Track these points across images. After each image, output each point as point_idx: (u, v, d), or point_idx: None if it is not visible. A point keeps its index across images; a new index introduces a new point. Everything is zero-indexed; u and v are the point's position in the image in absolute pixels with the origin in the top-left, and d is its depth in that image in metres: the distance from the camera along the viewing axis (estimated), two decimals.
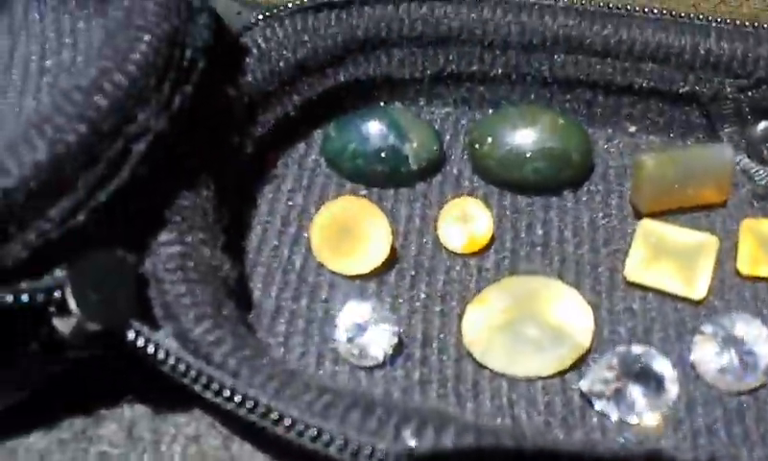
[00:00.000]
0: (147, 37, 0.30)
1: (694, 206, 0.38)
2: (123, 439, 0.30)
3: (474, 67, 0.40)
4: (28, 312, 0.27)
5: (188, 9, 0.32)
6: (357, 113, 0.39)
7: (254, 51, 0.37)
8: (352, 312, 0.33)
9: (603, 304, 0.35)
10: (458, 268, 0.37)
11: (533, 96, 0.40)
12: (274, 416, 0.26)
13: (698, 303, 0.35)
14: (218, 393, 0.27)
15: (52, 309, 0.28)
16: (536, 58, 0.39)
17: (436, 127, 0.41)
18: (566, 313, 0.34)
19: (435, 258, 0.37)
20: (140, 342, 0.28)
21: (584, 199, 0.39)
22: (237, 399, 0.27)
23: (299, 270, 0.36)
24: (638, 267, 0.36)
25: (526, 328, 0.34)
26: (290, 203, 0.38)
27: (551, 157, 0.38)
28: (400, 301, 0.36)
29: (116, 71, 0.29)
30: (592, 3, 0.39)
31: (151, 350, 0.28)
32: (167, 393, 0.29)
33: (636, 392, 0.32)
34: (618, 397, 0.32)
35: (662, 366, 0.32)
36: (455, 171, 0.40)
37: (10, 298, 0.27)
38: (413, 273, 0.36)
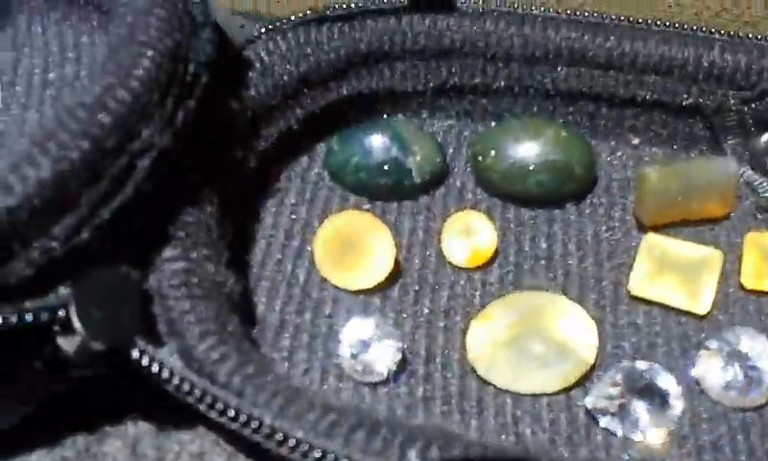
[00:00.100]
0: (150, 53, 0.30)
1: (698, 219, 0.38)
2: (127, 456, 0.30)
3: (477, 80, 0.40)
4: (32, 331, 0.27)
5: (191, 23, 0.32)
6: (360, 126, 0.39)
7: (257, 65, 0.37)
8: (356, 328, 0.33)
9: (607, 319, 0.35)
10: (462, 282, 0.37)
11: (536, 108, 0.40)
12: (278, 436, 0.26)
13: (702, 317, 0.35)
14: (222, 412, 0.27)
15: (56, 328, 0.28)
16: (538, 70, 0.39)
17: (439, 139, 0.41)
18: (571, 329, 0.34)
19: (438, 272, 0.37)
20: (144, 361, 0.28)
21: (587, 212, 0.39)
22: (242, 419, 0.27)
23: (302, 284, 0.36)
24: (642, 281, 0.36)
25: (530, 344, 0.34)
26: (293, 216, 0.38)
27: (554, 170, 0.38)
28: (404, 316, 0.35)
29: (120, 88, 0.29)
30: (595, 15, 0.39)
31: (155, 368, 0.28)
32: (171, 410, 0.29)
33: (640, 408, 0.32)
34: (623, 413, 0.32)
35: (667, 382, 0.32)
36: (458, 183, 0.40)
37: (14, 318, 0.27)
38: (416, 287, 0.36)
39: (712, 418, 0.33)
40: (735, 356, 0.33)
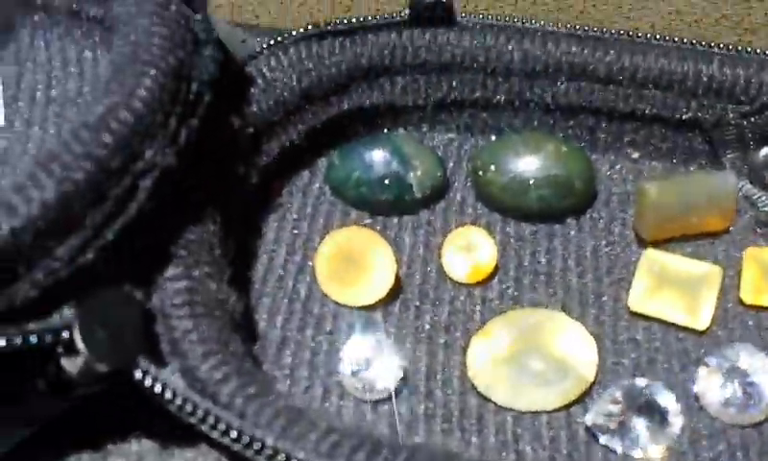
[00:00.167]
0: (153, 72, 0.30)
1: (697, 234, 0.38)
2: None
3: (477, 94, 0.40)
4: (36, 352, 0.27)
5: (194, 41, 0.33)
6: (361, 141, 0.40)
7: (260, 81, 0.37)
8: (357, 346, 0.34)
9: (607, 335, 0.36)
10: (462, 298, 0.37)
11: (536, 122, 0.40)
12: (281, 457, 0.26)
13: (701, 333, 0.35)
14: (225, 433, 0.27)
15: (60, 349, 0.28)
16: (538, 84, 0.39)
17: (439, 153, 0.41)
18: (570, 346, 0.34)
19: (439, 288, 0.37)
20: (147, 381, 0.28)
21: (587, 227, 0.39)
22: (244, 440, 0.27)
23: (303, 300, 0.36)
24: (642, 297, 0.36)
25: (530, 362, 0.34)
26: (295, 231, 0.38)
27: (554, 185, 0.38)
28: (405, 332, 0.36)
29: (123, 108, 0.29)
30: (595, 29, 0.39)
31: (158, 389, 0.28)
32: (174, 428, 0.30)
33: (640, 425, 0.32)
34: (623, 430, 0.32)
35: (666, 399, 0.33)
36: (459, 198, 0.40)
37: (18, 340, 0.27)
38: (417, 303, 0.37)
39: (712, 435, 0.33)
40: (734, 373, 0.33)
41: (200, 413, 0.28)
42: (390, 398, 0.33)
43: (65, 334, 0.27)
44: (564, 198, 0.38)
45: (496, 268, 0.37)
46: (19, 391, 0.28)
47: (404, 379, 0.34)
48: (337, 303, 0.36)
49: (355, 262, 0.36)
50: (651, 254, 0.37)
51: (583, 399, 0.34)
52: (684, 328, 0.36)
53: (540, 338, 0.34)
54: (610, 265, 0.38)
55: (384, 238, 0.38)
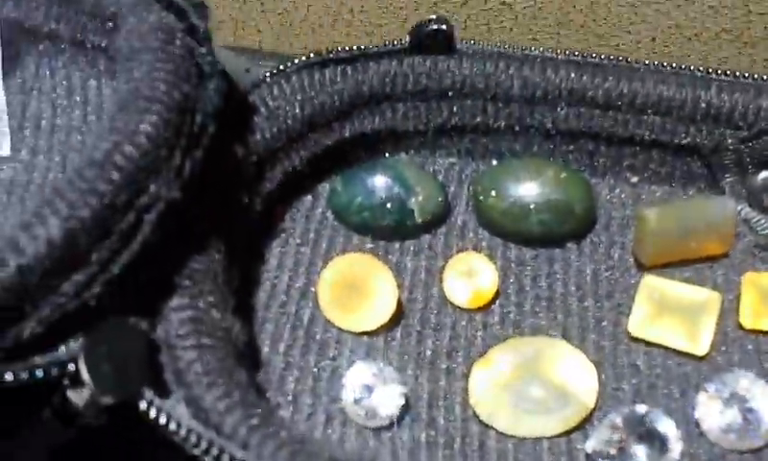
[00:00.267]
0: (157, 107, 0.31)
1: (697, 258, 0.38)
2: None
3: (477, 120, 0.40)
4: (42, 385, 0.28)
5: (198, 75, 0.33)
6: (363, 167, 0.40)
7: (263, 109, 0.38)
8: (359, 373, 0.34)
9: (607, 360, 0.36)
10: (463, 323, 0.37)
11: (536, 147, 0.41)
12: None
13: (701, 358, 0.36)
14: None
15: (66, 381, 0.28)
16: (538, 110, 0.40)
17: (440, 177, 0.41)
18: (571, 373, 0.35)
19: (441, 313, 0.37)
20: (152, 412, 0.29)
21: (587, 251, 0.39)
22: None
23: (306, 326, 0.37)
24: (642, 323, 0.36)
25: (531, 389, 0.34)
26: (297, 257, 0.39)
27: (555, 210, 0.38)
28: (406, 358, 0.36)
29: (127, 144, 0.29)
30: (593, 55, 0.40)
31: (163, 420, 0.28)
32: (178, 458, 0.30)
33: (640, 451, 0.33)
34: (623, 456, 0.33)
35: (666, 426, 0.33)
36: (460, 222, 0.40)
37: (25, 374, 0.27)
38: (419, 329, 0.37)
39: (711, 460, 0.33)
40: (734, 399, 0.34)
41: (204, 444, 0.28)
42: (392, 425, 0.34)
43: (71, 367, 0.28)
44: (565, 223, 0.39)
45: (497, 293, 0.38)
46: (25, 424, 0.29)
47: (406, 406, 0.34)
48: (340, 328, 0.37)
49: (357, 289, 0.36)
50: (650, 281, 0.37)
51: (583, 425, 0.34)
52: (684, 354, 0.36)
53: (540, 365, 0.35)
54: (610, 290, 0.38)
55: (386, 263, 0.38)
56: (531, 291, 0.38)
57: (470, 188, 0.41)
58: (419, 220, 0.39)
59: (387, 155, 0.41)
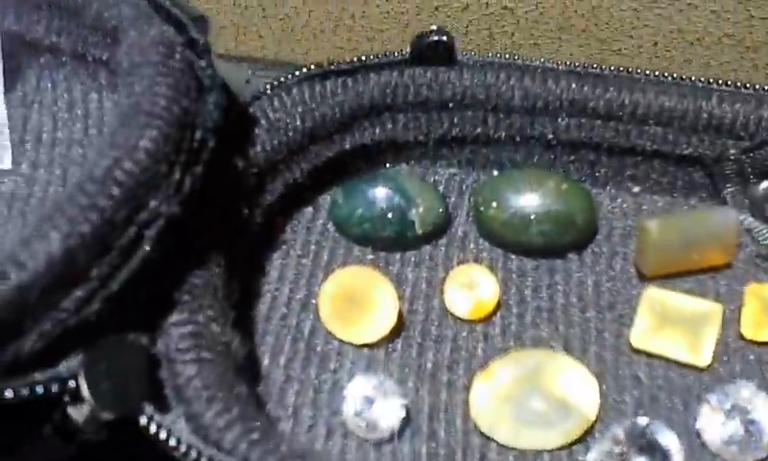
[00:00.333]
0: (157, 123, 0.31)
1: (699, 269, 0.38)
2: None
3: (478, 130, 0.40)
4: (42, 401, 0.28)
5: (198, 89, 0.33)
6: (363, 179, 0.40)
7: (263, 121, 0.38)
8: (360, 386, 0.34)
9: (609, 371, 0.36)
10: (464, 334, 0.37)
11: (537, 158, 0.41)
12: None
13: (703, 369, 0.36)
14: None
15: (66, 398, 0.28)
16: (539, 121, 0.40)
17: (441, 188, 0.41)
18: (572, 386, 0.34)
19: (442, 325, 0.37)
20: (152, 428, 0.29)
21: (588, 262, 0.39)
22: None
23: (307, 338, 0.37)
24: (644, 335, 0.36)
25: (532, 402, 0.34)
26: (299, 268, 0.39)
27: (556, 220, 0.38)
28: (407, 370, 0.36)
29: (127, 160, 0.29)
30: (594, 66, 0.40)
31: (163, 436, 0.29)
32: None
33: None
34: None
35: (668, 438, 0.33)
36: (461, 233, 0.40)
37: (25, 390, 0.27)
38: (420, 340, 0.37)
39: None
40: (736, 411, 0.34)
41: (204, 460, 0.28)
42: (393, 437, 0.34)
43: (71, 383, 0.28)
44: (566, 233, 0.39)
45: (498, 304, 0.38)
46: (25, 440, 0.29)
47: (407, 419, 0.34)
48: (341, 340, 0.37)
49: (358, 301, 0.36)
50: (652, 293, 0.37)
51: (585, 438, 0.34)
52: (686, 365, 0.36)
53: (541, 378, 0.35)
54: (611, 301, 0.38)
55: (386, 274, 0.38)
56: (532, 302, 0.38)
57: (471, 199, 0.41)
58: (419, 231, 0.39)
59: (387, 166, 0.41)
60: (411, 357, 0.36)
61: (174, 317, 0.31)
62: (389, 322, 0.36)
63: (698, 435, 0.34)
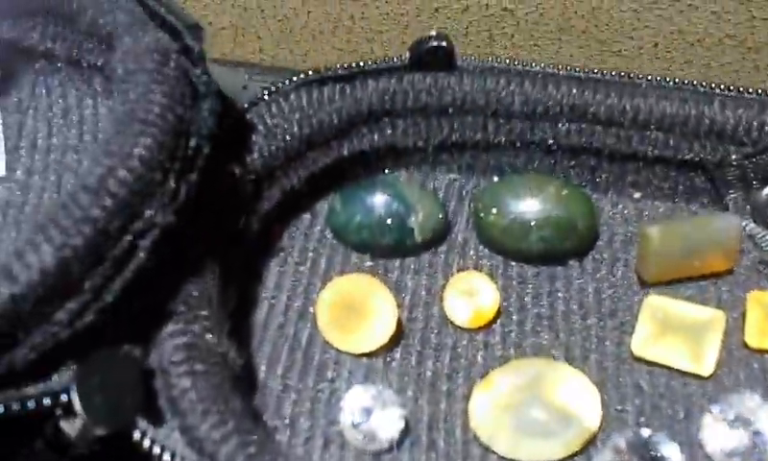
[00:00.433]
0: (151, 131, 0.30)
1: (701, 275, 0.38)
2: None
3: (478, 136, 0.40)
4: (35, 416, 0.28)
5: (193, 96, 0.33)
6: (362, 185, 0.39)
7: (261, 128, 0.37)
8: (358, 397, 0.33)
9: (610, 380, 0.35)
10: (464, 342, 0.37)
11: (537, 163, 0.40)
12: None
13: (706, 378, 0.35)
14: None
15: (58, 412, 0.28)
16: (539, 126, 0.39)
17: (440, 193, 0.41)
18: (573, 396, 0.34)
19: (441, 333, 0.37)
20: (146, 443, 0.28)
21: (589, 269, 0.39)
22: None
23: (304, 347, 0.36)
24: (645, 343, 0.36)
25: (533, 412, 0.34)
26: (296, 276, 0.38)
27: (556, 226, 0.38)
28: (407, 379, 0.36)
29: (121, 168, 0.29)
30: (595, 71, 0.39)
31: (157, 451, 0.28)
32: None
33: None
34: None
35: (670, 450, 0.32)
36: (460, 239, 0.40)
37: (16, 405, 0.27)
38: (419, 349, 0.36)
39: None
40: (739, 421, 0.33)
41: None
42: (392, 448, 0.33)
43: (64, 397, 0.28)
44: (566, 239, 0.38)
45: (499, 312, 0.37)
46: (18, 452, 0.28)
47: (406, 429, 0.34)
48: (339, 349, 0.36)
49: (356, 309, 0.36)
50: (653, 301, 0.37)
51: (586, 448, 0.34)
52: (689, 374, 0.35)
53: (542, 388, 0.34)
54: (612, 308, 0.38)
55: (385, 282, 0.38)
56: (532, 310, 0.38)
57: (471, 205, 0.40)
58: (418, 238, 0.39)
59: (386, 172, 0.41)
60: (410, 366, 0.36)
61: (168, 328, 0.31)
62: (388, 330, 0.36)
63: (700, 446, 0.34)
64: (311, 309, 0.37)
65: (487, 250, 0.40)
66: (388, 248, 0.39)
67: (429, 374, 0.36)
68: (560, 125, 0.39)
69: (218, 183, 0.34)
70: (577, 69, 0.39)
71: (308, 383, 0.35)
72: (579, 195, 0.39)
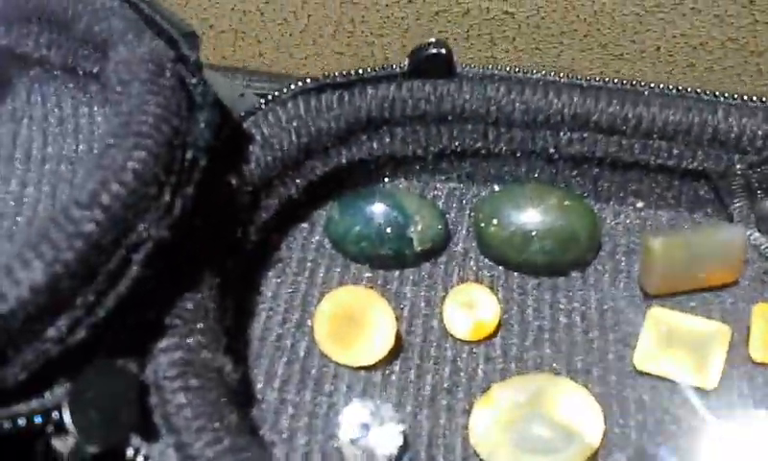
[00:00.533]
0: (146, 143, 0.30)
1: (705, 287, 0.37)
2: None
3: (478, 144, 0.39)
4: (26, 434, 0.27)
5: (189, 107, 0.32)
6: (361, 195, 0.39)
7: (258, 137, 0.37)
8: (355, 412, 0.33)
9: (612, 394, 0.35)
10: (464, 355, 0.36)
11: (538, 172, 0.40)
12: None
13: (710, 392, 0.35)
14: None
15: (50, 430, 0.27)
16: (540, 135, 0.39)
17: (440, 202, 0.40)
18: (575, 412, 0.34)
19: (441, 346, 0.36)
20: (140, 460, 0.28)
21: (591, 279, 0.38)
22: None
23: (302, 360, 0.36)
24: (648, 356, 0.35)
25: (534, 428, 0.33)
26: (294, 287, 0.38)
27: (558, 237, 0.37)
28: (406, 393, 0.35)
29: (114, 182, 0.28)
30: (597, 79, 0.39)
31: None
32: None
33: None
34: None
35: None
36: (461, 249, 0.39)
37: (7, 423, 0.26)
38: (418, 362, 0.36)
39: None
40: (743, 436, 0.33)
41: None
42: None
43: (56, 414, 0.27)
44: (568, 250, 0.38)
45: (499, 324, 0.37)
46: None
47: (405, 445, 0.33)
48: (337, 363, 0.36)
49: (355, 322, 0.35)
50: (657, 313, 0.36)
51: None
52: (692, 388, 0.35)
53: (543, 404, 0.34)
54: (615, 320, 0.37)
55: (384, 292, 0.37)
56: (534, 322, 0.37)
57: (471, 215, 0.40)
58: (418, 249, 0.38)
59: (386, 180, 0.40)
60: (409, 380, 0.35)
61: (163, 342, 0.30)
62: (386, 344, 0.35)
63: None
64: (309, 321, 0.37)
65: (487, 260, 0.39)
66: (387, 258, 0.38)
67: (429, 388, 0.35)
68: (561, 133, 0.38)
69: (215, 195, 0.34)
70: (579, 77, 0.39)
71: (306, 397, 0.35)
72: (581, 205, 0.38)
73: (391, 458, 0.33)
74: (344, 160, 0.39)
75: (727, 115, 0.37)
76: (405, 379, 0.35)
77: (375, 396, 0.35)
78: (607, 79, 0.39)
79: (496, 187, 0.40)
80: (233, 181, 0.35)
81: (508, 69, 0.39)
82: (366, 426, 0.33)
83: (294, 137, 0.37)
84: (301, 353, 0.36)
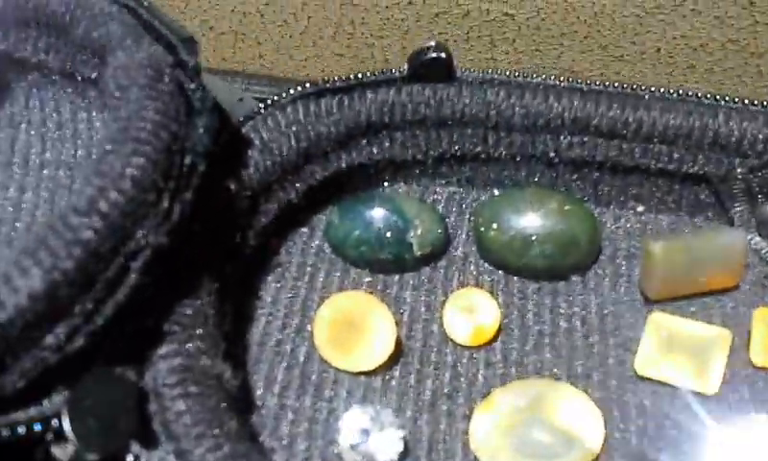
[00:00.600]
0: (144, 149, 0.29)
1: (705, 292, 0.37)
2: None
3: (478, 149, 0.39)
4: (25, 442, 0.27)
5: (188, 112, 0.32)
6: (360, 199, 0.39)
7: (257, 142, 0.37)
8: (355, 418, 0.33)
9: (613, 399, 0.35)
10: (464, 361, 0.36)
11: (538, 176, 0.40)
12: None
13: (711, 397, 0.35)
14: None
15: (50, 437, 0.27)
16: (540, 139, 0.38)
17: (440, 206, 0.40)
18: (575, 417, 0.33)
19: (441, 351, 0.36)
20: None
21: (592, 284, 0.38)
22: None
23: (302, 365, 0.36)
24: (649, 361, 0.35)
25: (534, 433, 0.33)
26: (293, 292, 0.38)
27: (558, 241, 0.37)
28: (405, 399, 0.35)
29: (113, 189, 0.28)
30: (597, 83, 0.39)
31: None
32: None
33: None
34: None
35: None
36: (461, 253, 0.39)
37: (5, 431, 0.26)
38: (418, 367, 0.36)
39: None
40: (744, 441, 0.33)
41: None
42: None
43: (55, 422, 0.27)
44: (568, 254, 0.38)
45: (500, 329, 0.37)
46: None
47: (405, 451, 0.33)
48: (337, 368, 0.36)
49: (355, 327, 0.35)
50: (657, 318, 0.36)
51: None
52: (693, 393, 0.35)
53: (543, 409, 0.34)
54: (615, 325, 0.37)
55: (384, 297, 0.37)
56: (534, 327, 0.37)
57: (471, 219, 0.40)
58: (417, 253, 0.38)
59: (385, 184, 0.40)
60: (409, 385, 0.35)
61: (162, 349, 0.30)
62: (386, 349, 0.35)
63: None
64: (309, 326, 0.37)
65: (487, 265, 0.39)
66: (387, 262, 0.38)
67: (429, 393, 0.35)
68: (561, 137, 0.38)
69: (213, 200, 0.34)
70: (579, 80, 0.38)
71: (306, 402, 0.35)
72: (581, 209, 0.38)
73: None
74: (343, 165, 0.39)
75: (727, 119, 0.37)
76: (405, 384, 0.35)
77: (375, 401, 0.35)
78: (607, 82, 0.39)
79: (496, 191, 0.40)
80: (232, 186, 0.35)
81: (508, 73, 0.39)
82: (366, 432, 0.33)
83: (293, 142, 0.37)
84: (301, 359, 0.36)
